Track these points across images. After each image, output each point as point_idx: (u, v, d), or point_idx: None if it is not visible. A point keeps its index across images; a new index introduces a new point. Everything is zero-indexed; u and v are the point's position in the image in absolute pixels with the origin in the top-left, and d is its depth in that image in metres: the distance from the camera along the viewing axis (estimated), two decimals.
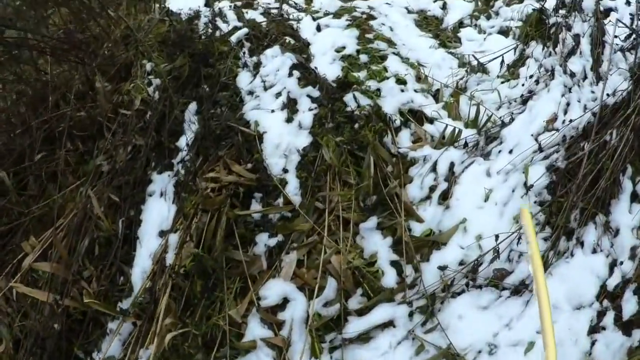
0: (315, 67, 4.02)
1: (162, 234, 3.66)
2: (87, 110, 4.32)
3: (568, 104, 3.45)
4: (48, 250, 3.84)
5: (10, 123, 4.62)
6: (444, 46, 4.58)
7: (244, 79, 4.19)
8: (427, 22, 4.94)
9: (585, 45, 3.66)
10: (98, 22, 4.97)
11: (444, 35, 4.68)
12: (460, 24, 4.87)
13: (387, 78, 3.97)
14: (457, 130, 3.64)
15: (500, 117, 3.75)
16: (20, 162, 4.36)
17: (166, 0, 5.65)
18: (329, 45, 4.32)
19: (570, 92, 3.52)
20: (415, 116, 3.82)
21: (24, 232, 4.07)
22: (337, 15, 4.75)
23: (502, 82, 4.09)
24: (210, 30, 4.73)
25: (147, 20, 5.03)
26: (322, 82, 3.88)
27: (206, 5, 5.29)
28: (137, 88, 4.29)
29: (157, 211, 3.77)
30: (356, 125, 3.62)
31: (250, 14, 4.89)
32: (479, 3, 5.02)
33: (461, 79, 4.17)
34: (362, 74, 3.99)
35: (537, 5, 4.39)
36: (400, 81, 3.96)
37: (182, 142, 3.95)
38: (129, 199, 3.88)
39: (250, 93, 4.07)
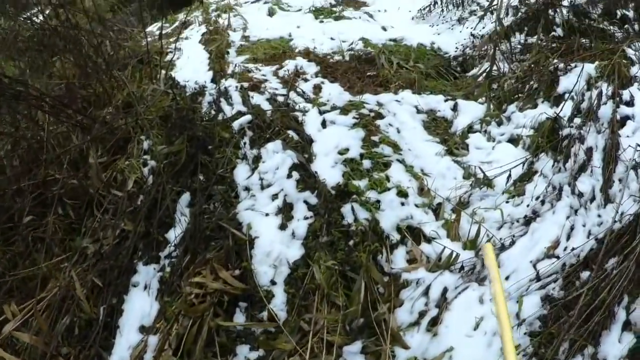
0: (316, 172, 3.91)
1: (143, 329, 3.52)
2: (79, 180, 4.19)
3: (572, 228, 3.34)
4: (30, 318, 3.73)
5: (2, 172, 4.52)
6: (451, 153, 4.45)
7: (241, 173, 4.09)
8: (435, 124, 4.82)
9: (597, 161, 3.56)
10: (102, 81, 4.89)
11: (452, 141, 4.56)
12: (470, 129, 4.72)
13: (389, 189, 3.85)
14: (454, 254, 3.50)
15: (501, 239, 3.60)
16: (9, 221, 4.25)
17: (174, 67, 5.62)
18: (332, 145, 4.22)
19: (576, 214, 3.41)
20: (413, 233, 3.68)
21: (8, 291, 3.96)
22: (344, 110, 4.65)
23: (507, 199, 3.94)
24: (213, 112, 4.64)
25: (150, 90, 4.95)
26: (321, 188, 3.78)
27: (213, 81, 5.24)
28: (131, 167, 4.18)
29: (140, 305, 3.64)
30: (351, 242, 3.49)
31: (255, 99, 4.81)
32: (491, 106, 4.88)
33: (465, 192, 4.03)
34: (363, 183, 3.87)
35: (551, 113, 4.27)
36: (402, 193, 3.85)
37: (172, 234, 3.84)
38: (112, 286, 3.76)
39: (247, 189, 3.97)
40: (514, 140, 4.47)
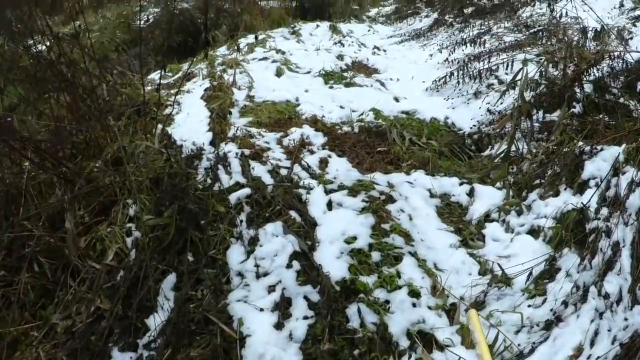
0: (320, 266, 3.48)
1: None
2: (55, 241, 3.75)
3: (597, 333, 2.99)
4: None
5: None
6: (466, 245, 4.05)
7: (235, 256, 3.69)
8: (450, 210, 4.43)
9: (625, 258, 3.18)
10: (94, 129, 4.48)
11: (467, 231, 4.16)
12: (487, 217, 4.33)
13: (399, 287, 3.44)
14: None
15: (519, 345, 3.19)
16: None
17: (172, 123, 5.26)
18: (338, 231, 3.82)
19: (601, 318, 3.05)
20: (424, 338, 3.25)
21: None
22: (352, 191, 4.26)
23: (527, 300, 3.52)
24: (209, 180, 4.25)
25: (143, 147, 4.54)
26: (324, 282, 3.36)
27: (212, 143, 4.87)
28: (113, 236, 3.75)
29: None
30: (356, 352, 3.05)
31: (256, 169, 4.44)
32: (510, 193, 4.49)
33: (481, 292, 3.61)
34: (371, 280, 3.46)
35: (575, 202, 3.89)
36: (414, 293, 3.43)
37: (152, 321, 3.39)
38: None
39: (240, 275, 3.56)
40: (534, 232, 4.05)
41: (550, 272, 3.64)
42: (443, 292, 3.53)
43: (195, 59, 7.44)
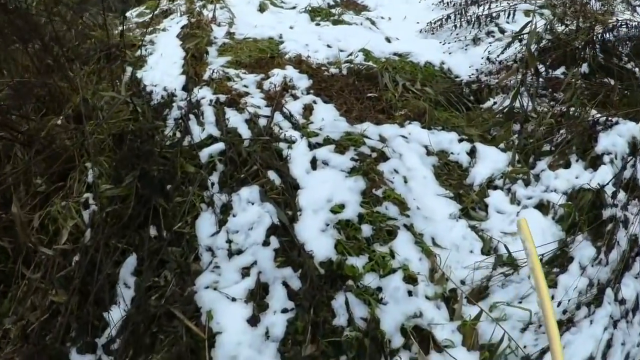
0: (303, 244, 3.00)
1: None
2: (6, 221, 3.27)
3: (609, 346, 2.78)
4: None
5: None
6: (467, 215, 3.59)
7: (205, 227, 3.22)
8: (448, 171, 3.94)
9: None
10: (56, 80, 3.94)
11: (469, 199, 3.68)
12: (490, 183, 3.85)
13: (394, 271, 2.98)
14: None
15: (525, 348, 2.82)
16: None
17: (144, 65, 4.70)
18: (324, 197, 3.32)
19: (615, 327, 2.83)
20: (420, 334, 2.82)
21: None
22: (340, 146, 3.75)
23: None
24: (179, 134, 3.74)
25: (107, 100, 4.00)
26: (306, 265, 2.89)
27: (184, 89, 4.32)
28: (67, 212, 3.25)
29: None
30: (343, 358, 2.61)
31: (232, 119, 3.92)
32: (517, 157, 3.99)
33: (484, 277, 3.17)
34: (361, 261, 2.99)
35: (589, 180, 3.51)
36: (410, 278, 2.98)
37: (111, 315, 2.94)
38: None
39: (210, 251, 3.09)
40: (542, 207, 3.59)
41: (561, 259, 3.22)
42: (442, 277, 3.08)
43: None
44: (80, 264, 3.04)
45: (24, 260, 3.24)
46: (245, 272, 2.97)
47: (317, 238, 3.09)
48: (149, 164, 3.33)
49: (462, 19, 5.90)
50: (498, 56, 5.08)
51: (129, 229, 3.14)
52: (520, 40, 4.93)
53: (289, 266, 2.95)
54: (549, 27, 5.02)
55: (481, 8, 5.97)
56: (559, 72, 4.73)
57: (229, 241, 3.09)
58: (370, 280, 2.92)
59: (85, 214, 3.27)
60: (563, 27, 5.08)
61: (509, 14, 5.83)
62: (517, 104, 4.32)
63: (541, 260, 3.15)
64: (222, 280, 2.94)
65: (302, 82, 4.59)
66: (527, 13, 5.24)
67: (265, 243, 3.04)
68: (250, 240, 3.07)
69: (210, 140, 3.72)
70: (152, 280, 2.95)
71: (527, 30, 4.53)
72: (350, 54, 5.12)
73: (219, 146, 3.63)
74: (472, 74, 5.01)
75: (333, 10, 6.30)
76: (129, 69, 4.44)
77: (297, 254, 2.98)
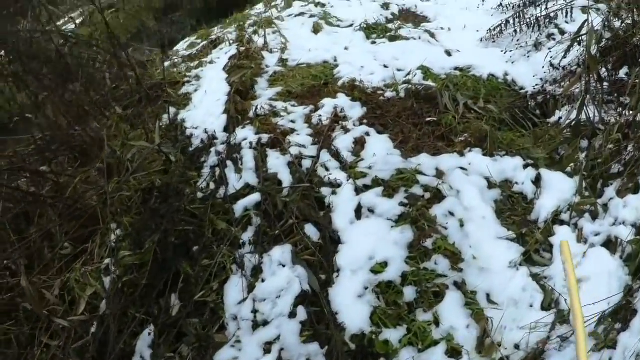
0: (333, 314, 2.66)
1: None
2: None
3: None
4: None
5: None
6: (529, 260, 3.14)
7: (233, 293, 2.99)
8: (512, 205, 3.50)
9: None
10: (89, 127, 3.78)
11: (532, 240, 3.23)
12: (555, 216, 3.37)
13: (436, 343, 2.63)
14: None
15: None
16: None
17: (188, 104, 4.47)
18: (365, 254, 3.00)
19: None
20: None
21: None
22: (389, 188, 3.40)
23: (593, 351, 2.62)
24: (212, 187, 3.47)
25: (135, 152, 3.77)
26: (334, 341, 2.54)
27: (225, 130, 4.04)
28: (86, 280, 3.04)
29: None
30: None
31: (273, 162, 3.63)
32: (584, 185, 3.48)
33: (540, 341, 2.71)
34: (398, 334, 2.64)
35: None
36: (454, 351, 2.60)
37: None
38: None
39: (235, 320, 2.79)
40: (610, 244, 3.07)
41: (625, 313, 2.68)
42: (493, 346, 2.67)
43: (226, 22, 6.54)
44: (95, 335, 2.84)
45: (44, 326, 3.04)
46: (267, 347, 2.69)
47: (352, 305, 2.77)
48: (173, 225, 3.06)
49: (522, 23, 5.46)
50: (560, 61, 4.61)
51: (147, 297, 2.90)
52: (580, 43, 4.41)
53: (316, 341, 2.65)
54: (606, 23, 4.45)
55: (539, 9, 5.49)
56: (623, 72, 4.19)
57: (255, 311, 2.82)
58: (407, 357, 2.55)
59: (106, 280, 3.04)
60: (620, 22, 4.52)
61: (566, 13, 5.39)
62: (583, 116, 3.81)
63: (603, 314, 2.66)
64: (242, 356, 2.69)
65: (355, 111, 4.26)
66: (584, 10, 4.78)
67: (292, 315, 2.74)
68: (277, 310, 2.79)
69: (247, 190, 3.47)
70: (166, 357, 2.68)
71: (584, 30, 4.02)
72: (408, 74, 4.75)
73: (255, 197, 3.37)
74: (537, 84, 4.58)
75: (390, 26, 5.91)
76: (167, 113, 4.21)
77: (325, 327, 2.65)
